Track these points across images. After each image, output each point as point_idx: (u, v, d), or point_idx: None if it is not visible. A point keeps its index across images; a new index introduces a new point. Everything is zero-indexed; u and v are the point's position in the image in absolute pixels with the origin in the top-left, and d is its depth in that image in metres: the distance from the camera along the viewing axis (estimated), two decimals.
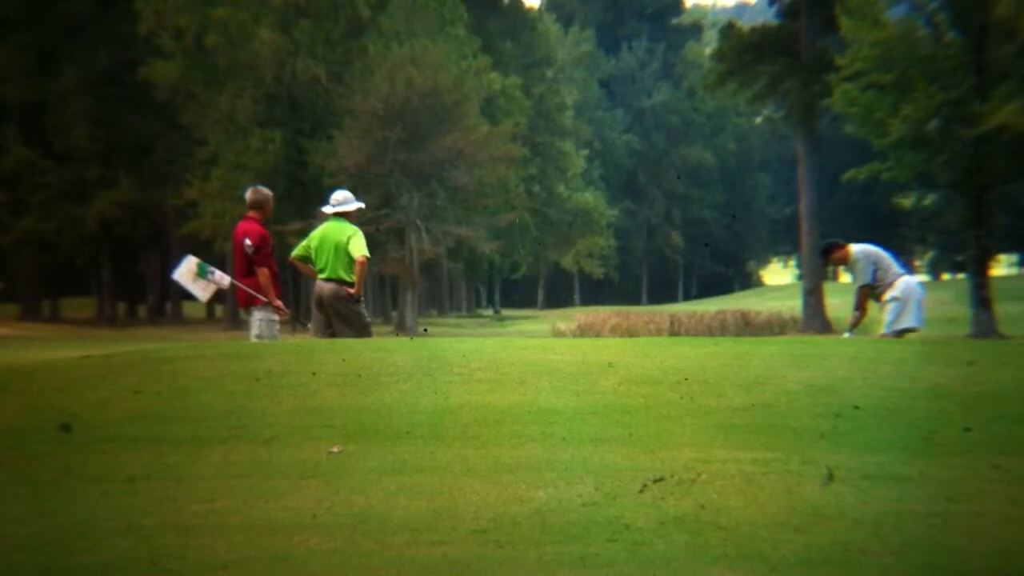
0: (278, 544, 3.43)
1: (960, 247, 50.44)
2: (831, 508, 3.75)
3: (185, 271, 9.64)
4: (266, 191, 9.64)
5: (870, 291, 9.75)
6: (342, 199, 9.59)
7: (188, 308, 58.51)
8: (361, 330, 9.25)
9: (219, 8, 43.24)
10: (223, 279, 9.71)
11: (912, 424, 4.97)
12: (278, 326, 9.53)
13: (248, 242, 9.26)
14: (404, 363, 6.33)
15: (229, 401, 5.53)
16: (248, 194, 9.59)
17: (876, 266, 9.74)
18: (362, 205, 9.90)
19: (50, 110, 47.26)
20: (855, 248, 9.88)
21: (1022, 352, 8.14)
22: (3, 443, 4.88)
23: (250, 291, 9.36)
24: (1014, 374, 6.15)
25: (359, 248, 9.20)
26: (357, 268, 9.21)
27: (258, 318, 9.36)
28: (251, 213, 9.46)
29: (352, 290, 9.22)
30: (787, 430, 4.88)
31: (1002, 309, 30.00)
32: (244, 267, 9.37)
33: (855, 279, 9.79)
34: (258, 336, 9.32)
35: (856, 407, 5.18)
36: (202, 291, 9.70)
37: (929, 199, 57.02)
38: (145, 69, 44.12)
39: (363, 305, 9.41)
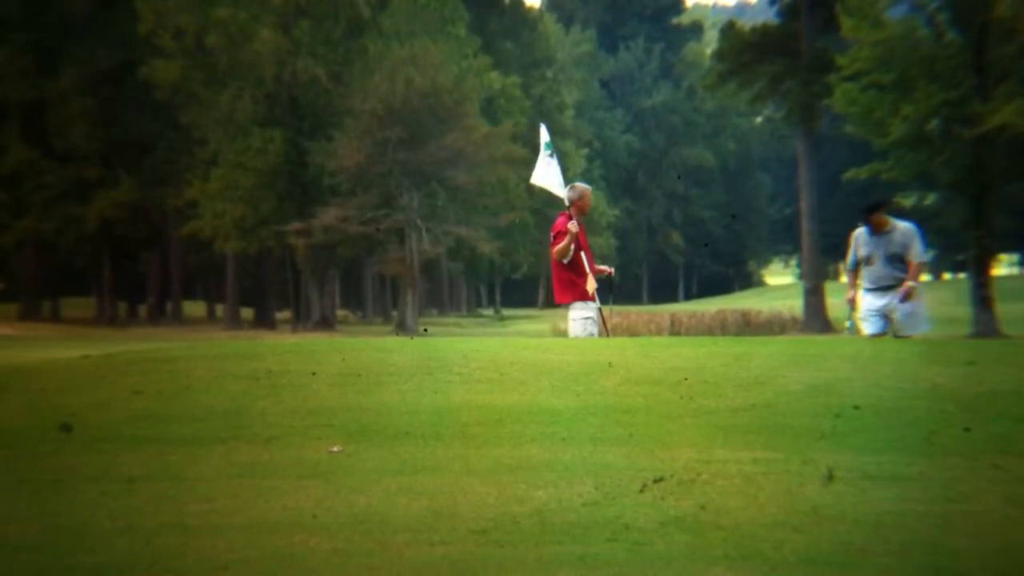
0: (278, 544, 3.42)
1: (961, 247, 50.33)
2: (831, 508, 3.75)
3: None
4: (580, 187, 9.58)
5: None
6: None
7: (188, 308, 58.45)
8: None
9: (219, 8, 43.22)
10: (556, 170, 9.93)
11: (912, 424, 4.96)
12: (595, 329, 9.08)
13: (552, 234, 9.17)
14: (404, 363, 6.33)
15: (229, 401, 5.53)
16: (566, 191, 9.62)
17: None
18: None
19: (50, 110, 47.28)
20: (911, 225, 9.46)
21: (1022, 352, 8.14)
22: (3, 443, 4.89)
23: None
24: (1014, 374, 6.14)
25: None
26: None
27: (572, 317, 9.08)
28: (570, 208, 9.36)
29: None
30: (787, 430, 4.88)
31: (1002, 309, 29.97)
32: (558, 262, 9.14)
33: (909, 255, 9.17)
34: (573, 334, 9.00)
35: (856, 407, 5.18)
36: (548, 179, 10.00)
37: (929, 199, 56.91)
38: (145, 69, 44.11)
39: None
